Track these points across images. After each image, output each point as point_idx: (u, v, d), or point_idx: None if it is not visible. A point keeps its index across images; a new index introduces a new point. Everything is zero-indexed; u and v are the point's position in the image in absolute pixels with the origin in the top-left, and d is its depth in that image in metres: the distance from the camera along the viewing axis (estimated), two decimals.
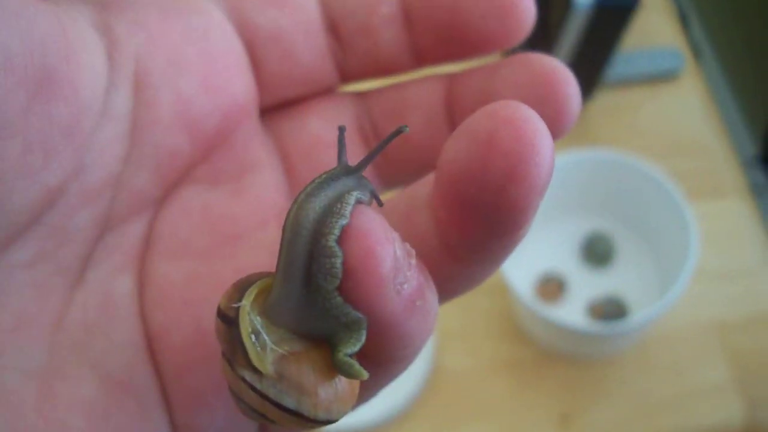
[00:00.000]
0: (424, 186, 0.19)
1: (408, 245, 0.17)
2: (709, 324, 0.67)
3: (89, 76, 0.18)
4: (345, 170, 0.18)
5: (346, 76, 0.23)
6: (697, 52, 0.88)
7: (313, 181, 0.17)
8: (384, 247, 0.16)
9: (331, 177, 0.17)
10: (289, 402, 0.16)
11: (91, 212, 0.19)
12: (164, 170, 0.20)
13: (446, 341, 0.67)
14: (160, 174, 0.20)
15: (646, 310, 0.60)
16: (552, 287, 0.67)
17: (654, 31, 0.85)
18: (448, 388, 0.65)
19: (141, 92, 0.19)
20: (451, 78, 0.23)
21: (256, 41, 0.22)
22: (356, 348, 0.16)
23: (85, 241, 0.19)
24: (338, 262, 0.16)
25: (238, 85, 0.21)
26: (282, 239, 0.16)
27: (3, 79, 0.15)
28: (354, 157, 0.19)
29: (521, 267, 0.65)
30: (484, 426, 0.64)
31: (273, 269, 0.17)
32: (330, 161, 0.22)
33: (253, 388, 0.16)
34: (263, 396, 0.16)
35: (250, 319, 0.17)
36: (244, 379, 0.16)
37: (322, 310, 0.16)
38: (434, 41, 0.22)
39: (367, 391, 0.19)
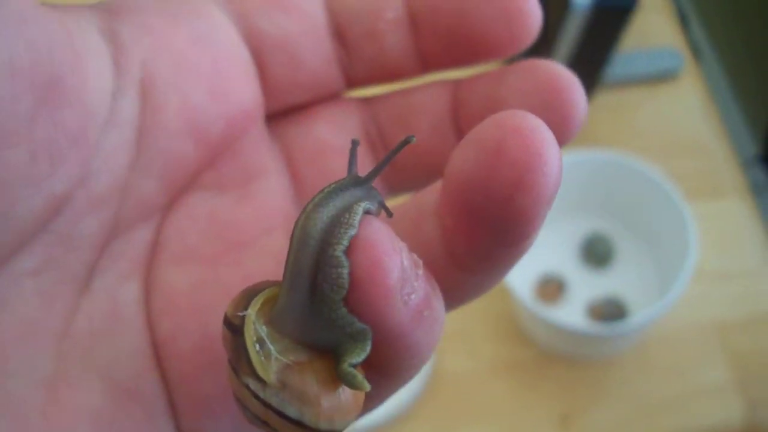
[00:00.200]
0: (432, 194, 0.19)
1: (415, 255, 0.17)
2: (709, 324, 0.67)
3: (95, 82, 0.18)
4: (354, 181, 0.18)
5: (352, 82, 0.23)
6: (696, 52, 0.88)
7: (322, 190, 0.17)
8: (391, 258, 0.16)
9: (339, 187, 0.17)
10: (291, 411, 0.16)
11: (98, 219, 0.19)
12: (170, 177, 0.20)
13: (446, 343, 0.67)
14: (166, 180, 0.20)
15: (646, 311, 0.60)
16: (552, 288, 0.67)
17: (653, 31, 0.85)
18: (448, 389, 0.65)
19: (147, 98, 0.19)
20: (457, 84, 0.23)
21: (262, 47, 0.22)
22: (361, 359, 0.16)
23: (92, 248, 0.19)
24: (345, 272, 0.16)
25: (245, 91, 0.21)
26: (289, 248, 0.16)
27: (9, 86, 0.15)
28: (361, 162, 0.19)
29: (521, 268, 0.65)
30: (484, 427, 0.64)
31: (279, 276, 0.17)
32: (336, 167, 0.22)
33: (257, 397, 0.16)
34: (266, 404, 0.16)
35: (255, 328, 0.17)
36: (247, 387, 0.16)
37: (328, 320, 0.16)
38: (440, 46, 0.22)
39: (373, 401, 0.19)
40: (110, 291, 0.19)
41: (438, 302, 0.17)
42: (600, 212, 0.70)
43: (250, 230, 0.21)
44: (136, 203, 0.20)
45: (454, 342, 0.67)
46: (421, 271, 0.17)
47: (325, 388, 0.16)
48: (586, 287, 0.68)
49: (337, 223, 0.16)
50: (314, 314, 0.16)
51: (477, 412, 0.64)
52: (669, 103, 0.81)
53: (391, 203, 0.20)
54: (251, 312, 0.17)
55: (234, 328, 0.17)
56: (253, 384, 0.16)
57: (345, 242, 0.16)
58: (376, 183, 0.23)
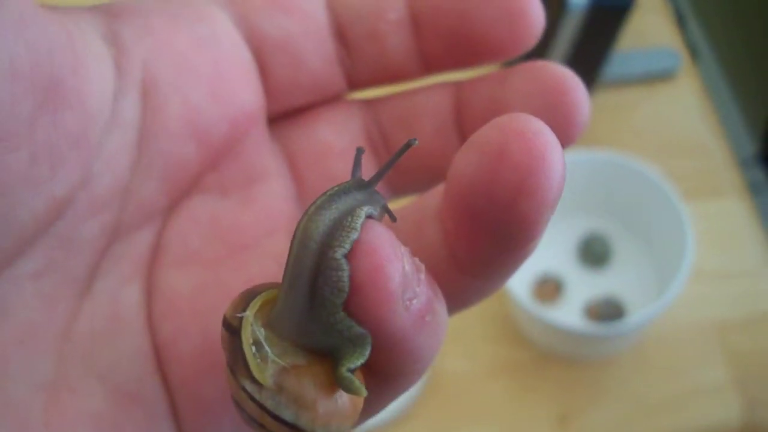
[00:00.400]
0: (434, 197, 0.19)
1: (417, 260, 0.17)
2: (709, 324, 0.67)
3: (97, 84, 0.18)
4: (357, 184, 0.17)
5: (354, 83, 0.23)
6: (693, 51, 0.88)
7: (325, 193, 0.17)
8: (392, 263, 0.16)
9: (342, 190, 0.17)
10: (287, 415, 0.16)
11: (99, 222, 0.19)
12: (172, 179, 0.20)
13: (444, 344, 0.66)
14: (168, 183, 0.20)
15: (644, 311, 0.60)
16: (549, 288, 0.67)
17: (650, 31, 0.85)
18: (446, 390, 0.65)
19: (149, 100, 0.19)
20: (460, 86, 0.23)
21: (264, 48, 0.21)
22: (359, 363, 0.16)
23: (93, 251, 0.19)
24: (345, 275, 0.16)
25: (246, 93, 0.21)
26: (290, 251, 0.16)
27: (9, 88, 0.15)
28: (363, 164, 0.19)
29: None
30: (482, 428, 0.64)
31: (281, 279, 0.17)
32: (338, 169, 0.22)
33: (253, 399, 0.16)
34: (262, 407, 0.16)
35: (252, 330, 0.16)
36: (244, 389, 0.16)
37: (327, 323, 0.16)
38: (442, 47, 0.22)
39: (375, 406, 0.19)
40: (111, 294, 0.19)
41: (440, 307, 0.17)
42: (598, 212, 0.70)
43: (252, 233, 0.21)
44: (137, 205, 0.20)
45: (452, 343, 0.67)
46: (423, 276, 0.17)
47: (323, 393, 0.16)
48: (583, 287, 0.68)
49: (339, 226, 0.16)
50: (313, 317, 0.16)
51: (475, 412, 0.64)
52: (667, 103, 0.81)
53: (394, 205, 0.19)
54: (249, 313, 0.17)
55: (232, 329, 0.17)
56: (249, 386, 0.16)
57: (347, 246, 0.16)
58: (379, 185, 0.23)
